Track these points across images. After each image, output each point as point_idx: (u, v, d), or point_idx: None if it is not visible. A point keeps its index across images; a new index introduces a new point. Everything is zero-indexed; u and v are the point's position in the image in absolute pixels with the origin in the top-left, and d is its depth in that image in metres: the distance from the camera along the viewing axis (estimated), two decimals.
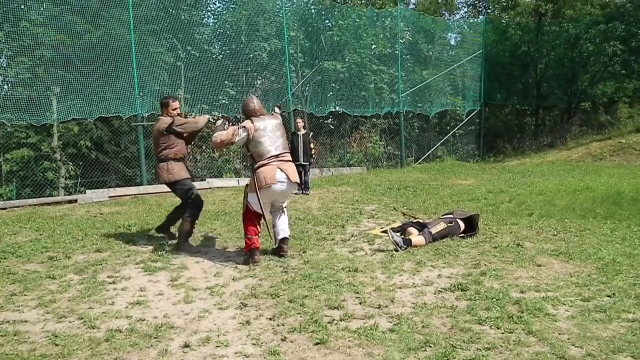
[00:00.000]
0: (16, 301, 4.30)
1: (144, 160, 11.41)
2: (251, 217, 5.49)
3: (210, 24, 14.67)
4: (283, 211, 5.75)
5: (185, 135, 6.17)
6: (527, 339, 3.43)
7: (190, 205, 6.14)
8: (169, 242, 6.21)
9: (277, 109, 5.91)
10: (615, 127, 19.21)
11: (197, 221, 6.42)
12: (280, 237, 5.65)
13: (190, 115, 12.75)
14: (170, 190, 6.38)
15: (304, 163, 10.58)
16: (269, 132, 5.47)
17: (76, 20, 10.84)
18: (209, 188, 11.62)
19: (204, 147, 13.47)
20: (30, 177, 11.20)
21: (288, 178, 5.42)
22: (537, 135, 20.73)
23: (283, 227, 5.68)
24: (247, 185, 5.65)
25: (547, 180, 11.46)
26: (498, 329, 3.61)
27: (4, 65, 10.64)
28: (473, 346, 3.34)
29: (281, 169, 5.40)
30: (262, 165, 5.35)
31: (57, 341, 3.50)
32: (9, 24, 10.20)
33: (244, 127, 5.42)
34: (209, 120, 6.29)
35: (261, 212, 5.47)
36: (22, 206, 9.32)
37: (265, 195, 5.39)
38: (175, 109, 6.16)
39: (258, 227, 5.52)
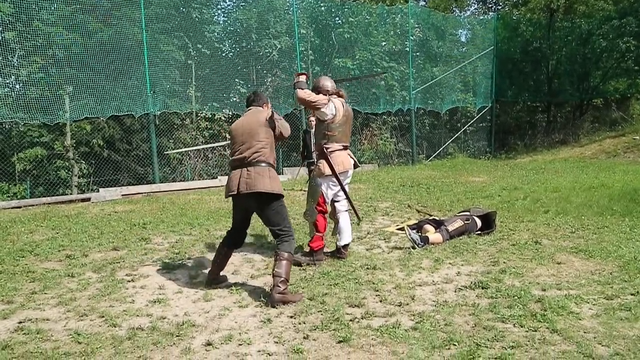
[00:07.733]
0: (37, 299, 4.31)
1: (156, 159, 11.44)
2: (322, 213, 5.33)
3: (221, 22, 14.64)
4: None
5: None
6: (552, 337, 3.39)
7: (285, 237, 4.33)
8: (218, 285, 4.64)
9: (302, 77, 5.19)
10: (629, 124, 18.96)
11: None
12: (345, 242, 5.44)
13: (201, 113, 12.83)
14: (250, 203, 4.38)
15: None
16: (349, 119, 5.42)
17: (88, 20, 10.87)
18: (221, 186, 11.61)
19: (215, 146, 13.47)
20: (43, 175, 11.25)
21: (354, 164, 5.46)
22: (549, 132, 20.52)
23: (349, 232, 5.49)
24: (311, 180, 5.42)
25: (561, 177, 11.35)
26: (522, 327, 3.57)
27: (17, 65, 10.68)
28: (498, 344, 3.31)
29: (350, 156, 5.40)
30: (335, 150, 5.23)
31: (80, 339, 3.49)
32: (21, 23, 10.25)
33: (335, 105, 5.18)
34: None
35: (329, 200, 5.30)
36: (36, 205, 9.36)
37: (339, 180, 5.23)
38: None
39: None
